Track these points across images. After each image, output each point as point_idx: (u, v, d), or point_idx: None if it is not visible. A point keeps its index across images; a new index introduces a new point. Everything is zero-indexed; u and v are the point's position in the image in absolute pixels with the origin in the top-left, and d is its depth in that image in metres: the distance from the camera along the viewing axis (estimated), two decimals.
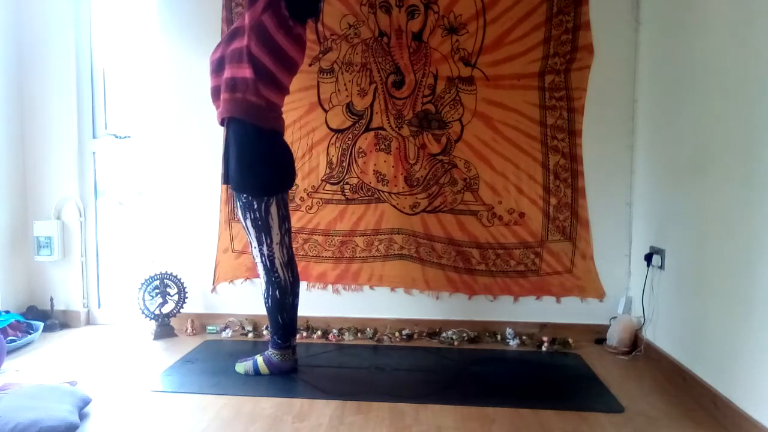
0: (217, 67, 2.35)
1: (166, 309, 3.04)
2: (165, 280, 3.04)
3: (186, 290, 3.07)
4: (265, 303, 2.43)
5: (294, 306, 2.46)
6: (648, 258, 2.64)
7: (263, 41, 2.25)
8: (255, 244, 2.38)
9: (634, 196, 2.88)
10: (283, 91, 2.41)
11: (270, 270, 2.39)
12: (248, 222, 2.35)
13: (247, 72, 2.24)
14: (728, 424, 1.94)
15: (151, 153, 3.14)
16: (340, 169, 3.01)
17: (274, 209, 2.35)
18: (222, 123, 2.40)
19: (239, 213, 2.39)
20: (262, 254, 2.38)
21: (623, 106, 2.87)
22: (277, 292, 2.40)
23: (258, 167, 2.31)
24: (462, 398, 2.21)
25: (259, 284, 3.02)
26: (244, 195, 2.33)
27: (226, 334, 3.01)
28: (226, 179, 2.40)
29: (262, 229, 2.34)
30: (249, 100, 2.27)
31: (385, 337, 2.94)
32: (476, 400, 2.19)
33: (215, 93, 2.37)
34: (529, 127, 2.91)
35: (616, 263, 2.92)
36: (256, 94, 2.27)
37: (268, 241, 2.36)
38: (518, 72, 2.89)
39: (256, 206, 2.32)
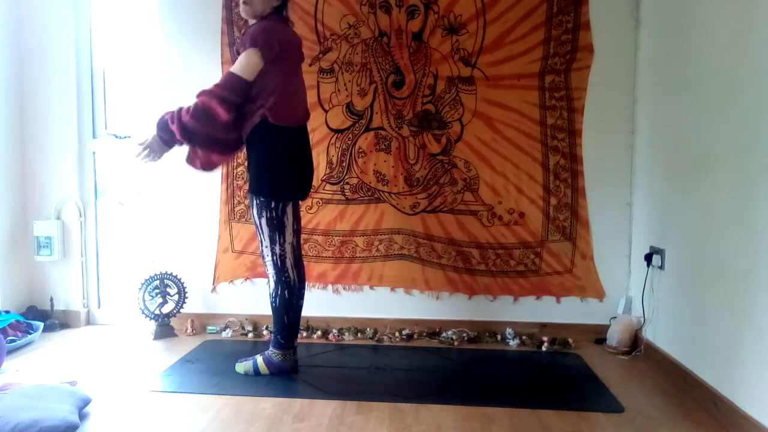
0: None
1: (166, 309, 3.04)
2: (165, 280, 3.04)
3: (186, 290, 3.07)
4: (272, 303, 2.43)
5: (299, 307, 2.47)
6: (648, 258, 2.64)
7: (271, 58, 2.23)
8: (267, 243, 2.37)
9: (634, 196, 2.88)
10: (301, 81, 2.42)
11: (281, 269, 2.39)
12: (263, 221, 2.35)
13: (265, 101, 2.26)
14: (728, 424, 1.94)
15: None
16: (340, 169, 3.01)
17: (290, 209, 2.37)
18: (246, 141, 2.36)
19: (254, 211, 2.37)
20: (273, 253, 2.37)
21: (623, 106, 2.87)
22: (286, 292, 2.40)
23: (278, 171, 2.31)
24: (462, 398, 2.21)
25: (260, 284, 3.04)
26: (262, 197, 2.34)
27: (226, 334, 3.01)
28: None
29: (277, 228, 2.35)
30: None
31: (385, 337, 2.94)
32: (476, 400, 2.19)
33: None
34: (529, 127, 2.91)
35: (616, 263, 2.92)
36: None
37: (281, 240, 2.36)
38: (518, 72, 2.89)
39: (273, 205, 2.33)
